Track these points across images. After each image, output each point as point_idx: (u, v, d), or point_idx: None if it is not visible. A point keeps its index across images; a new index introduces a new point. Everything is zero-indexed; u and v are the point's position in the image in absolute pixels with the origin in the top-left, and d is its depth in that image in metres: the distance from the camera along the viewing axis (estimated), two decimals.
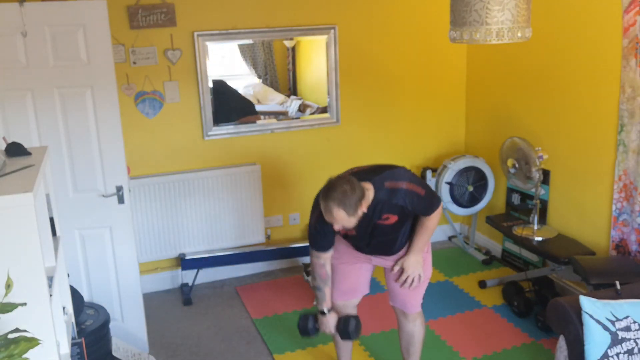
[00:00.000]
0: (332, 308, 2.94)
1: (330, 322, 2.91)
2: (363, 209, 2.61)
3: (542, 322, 3.70)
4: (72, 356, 2.47)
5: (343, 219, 2.58)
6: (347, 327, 2.86)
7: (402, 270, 2.88)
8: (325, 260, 2.90)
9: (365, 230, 2.78)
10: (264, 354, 3.65)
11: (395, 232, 2.84)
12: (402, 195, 2.69)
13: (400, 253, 2.96)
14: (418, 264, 2.85)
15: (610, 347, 2.54)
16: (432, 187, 4.79)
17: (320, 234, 2.81)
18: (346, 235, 2.88)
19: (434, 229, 2.87)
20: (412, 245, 2.86)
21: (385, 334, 3.77)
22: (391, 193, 2.69)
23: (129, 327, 3.58)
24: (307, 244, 4.58)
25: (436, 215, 2.82)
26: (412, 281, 2.88)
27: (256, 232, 4.57)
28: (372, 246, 2.90)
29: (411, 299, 3.00)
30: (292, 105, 4.79)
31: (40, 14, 3.05)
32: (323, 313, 2.91)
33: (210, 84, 4.34)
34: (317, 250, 2.87)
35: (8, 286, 1.65)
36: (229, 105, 4.54)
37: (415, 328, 3.07)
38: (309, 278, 4.12)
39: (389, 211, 2.72)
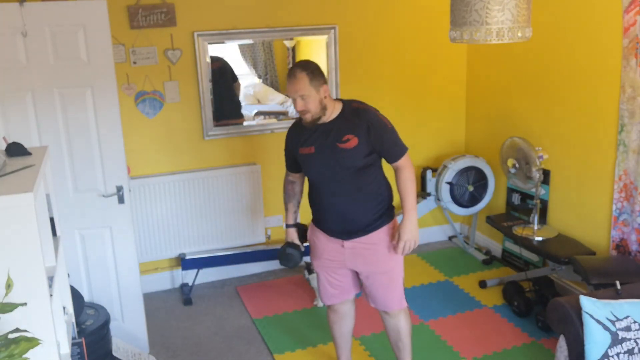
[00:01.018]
0: (294, 225, 3.17)
1: (288, 235, 3.17)
2: (326, 94, 2.77)
3: (543, 322, 3.70)
4: (72, 356, 2.47)
5: (305, 86, 2.71)
6: (280, 252, 3.15)
7: (399, 239, 2.84)
8: (294, 178, 3.12)
9: (325, 151, 2.80)
10: (264, 354, 3.65)
11: (358, 173, 2.80)
12: (368, 116, 2.79)
13: (373, 237, 2.89)
14: (414, 228, 2.82)
15: (610, 347, 2.54)
16: (433, 187, 4.80)
17: (286, 152, 3.05)
18: (309, 163, 2.88)
19: (414, 186, 2.86)
20: (404, 206, 2.83)
21: (385, 334, 3.76)
22: (357, 111, 2.82)
23: (129, 327, 3.58)
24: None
25: (409, 166, 2.86)
26: (409, 247, 2.84)
27: (256, 232, 4.57)
28: (337, 196, 2.85)
29: (390, 297, 3.00)
30: (293, 105, 4.79)
31: (41, 14, 3.05)
32: (286, 226, 3.18)
33: (208, 59, 4.28)
34: (287, 169, 3.12)
35: (8, 286, 1.65)
36: (227, 92, 4.54)
37: (400, 323, 3.07)
38: (309, 277, 4.13)
39: (350, 131, 2.76)
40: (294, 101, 2.77)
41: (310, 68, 2.75)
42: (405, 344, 3.13)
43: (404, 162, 2.86)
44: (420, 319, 3.91)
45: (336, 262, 3.00)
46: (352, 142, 2.76)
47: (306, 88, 2.72)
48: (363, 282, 3.03)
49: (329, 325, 3.27)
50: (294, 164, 3.04)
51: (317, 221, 3.04)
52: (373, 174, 2.87)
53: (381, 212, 2.91)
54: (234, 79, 4.65)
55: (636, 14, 3.31)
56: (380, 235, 2.91)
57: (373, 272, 2.95)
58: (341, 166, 2.80)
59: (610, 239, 3.68)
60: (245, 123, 4.60)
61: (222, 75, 4.52)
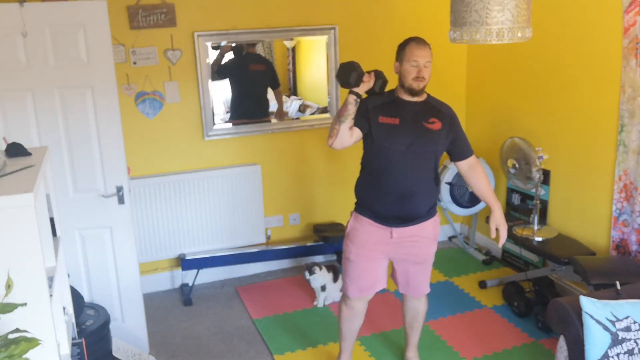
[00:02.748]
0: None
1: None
2: (430, 72, 2.93)
3: (542, 322, 3.70)
4: (72, 356, 2.47)
5: (430, 55, 2.94)
6: (345, 67, 2.95)
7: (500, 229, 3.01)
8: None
9: (411, 125, 2.90)
10: (264, 354, 3.65)
11: (431, 158, 2.94)
12: (451, 110, 3.01)
13: (422, 227, 3.01)
14: (504, 217, 3.04)
15: (610, 347, 2.54)
16: None
17: (360, 112, 2.95)
18: (389, 133, 2.90)
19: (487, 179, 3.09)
20: (491, 199, 3.04)
21: (385, 334, 3.77)
22: (441, 103, 3.03)
23: (129, 327, 3.58)
24: (307, 244, 4.61)
25: (479, 163, 3.08)
26: (506, 235, 3.04)
27: (256, 232, 4.57)
28: (406, 175, 2.91)
29: (424, 283, 3.20)
30: (292, 105, 4.79)
31: (41, 14, 3.05)
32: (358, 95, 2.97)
33: (209, 60, 4.30)
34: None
35: (8, 286, 1.65)
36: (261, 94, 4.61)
37: (422, 305, 3.30)
38: (310, 277, 4.12)
39: (436, 115, 2.95)
40: (416, 68, 2.88)
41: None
42: (420, 324, 3.35)
43: (475, 159, 3.08)
44: None
45: (378, 252, 3.03)
46: (437, 125, 2.93)
47: (430, 58, 2.91)
48: (399, 271, 3.13)
49: (339, 320, 3.26)
50: (359, 122, 2.93)
51: (367, 207, 3.02)
52: (437, 165, 3.02)
53: (433, 203, 3.05)
54: (274, 84, 4.66)
55: (636, 14, 3.31)
56: (428, 226, 3.04)
57: (416, 262, 3.09)
58: (421, 144, 2.90)
59: (610, 239, 3.68)
60: None
61: (262, 78, 4.58)
